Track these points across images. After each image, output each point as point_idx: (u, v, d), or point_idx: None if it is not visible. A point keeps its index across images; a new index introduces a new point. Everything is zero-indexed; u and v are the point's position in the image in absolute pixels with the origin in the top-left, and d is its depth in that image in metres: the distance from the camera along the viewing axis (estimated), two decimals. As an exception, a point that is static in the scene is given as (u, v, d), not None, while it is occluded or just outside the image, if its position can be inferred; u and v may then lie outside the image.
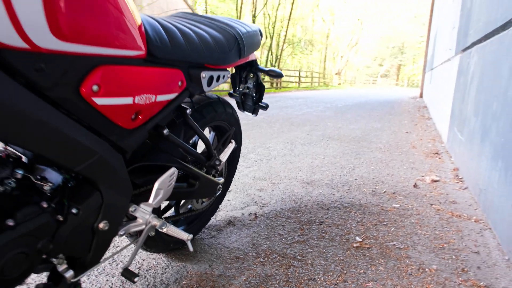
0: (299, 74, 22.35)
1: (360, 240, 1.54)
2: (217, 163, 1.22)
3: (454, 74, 4.08)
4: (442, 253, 1.44)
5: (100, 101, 0.68)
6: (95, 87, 0.66)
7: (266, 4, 19.91)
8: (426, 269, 1.31)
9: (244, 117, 5.83)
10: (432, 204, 2.00)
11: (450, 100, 4.04)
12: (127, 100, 0.74)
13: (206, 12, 18.95)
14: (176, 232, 0.99)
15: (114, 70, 0.69)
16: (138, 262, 1.32)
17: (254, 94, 1.51)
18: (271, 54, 20.96)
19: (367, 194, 2.17)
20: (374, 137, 4.42)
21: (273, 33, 21.06)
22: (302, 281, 1.22)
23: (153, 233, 0.99)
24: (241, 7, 17.84)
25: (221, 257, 1.35)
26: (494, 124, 1.87)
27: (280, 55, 21.28)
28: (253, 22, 19.77)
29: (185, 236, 0.99)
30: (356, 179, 2.50)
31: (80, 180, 0.75)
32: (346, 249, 1.45)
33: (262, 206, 1.91)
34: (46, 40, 0.54)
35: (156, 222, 0.95)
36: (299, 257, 1.37)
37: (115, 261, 1.32)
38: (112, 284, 1.17)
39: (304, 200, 2.02)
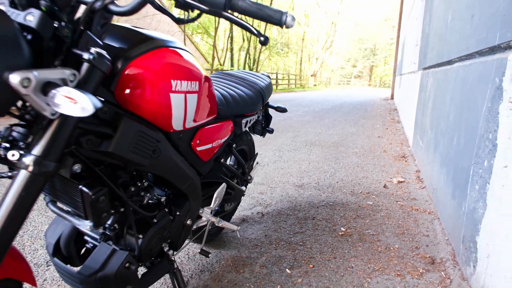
0: (277, 77, 22.97)
1: (344, 229, 2.06)
2: (249, 178, 1.71)
3: (417, 87, 4.72)
4: (403, 236, 1.98)
5: (199, 148, 1.15)
6: (198, 141, 1.13)
7: (243, 8, 20.37)
8: (391, 248, 1.85)
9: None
10: (397, 201, 2.56)
11: (414, 110, 4.67)
12: (210, 145, 1.22)
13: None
14: (227, 225, 1.47)
15: (206, 130, 1.17)
16: (191, 251, 1.77)
17: (263, 122, 2.00)
18: (249, 58, 21.49)
19: (347, 194, 2.71)
20: (350, 142, 5.00)
21: (250, 37, 21.57)
22: (305, 259, 1.72)
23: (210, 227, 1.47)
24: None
25: (244, 245, 1.83)
26: (442, 139, 2.44)
27: (258, 58, 21.83)
28: (231, 27, 20.16)
29: (235, 227, 1.47)
30: (337, 181, 3.03)
31: (177, 194, 1.21)
32: (334, 236, 1.97)
33: (266, 207, 2.40)
34: (189, 124, 1.02)
35: (214, 219, 1.43)
36: (300, 243, 1.88)
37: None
38: (188, 257, 1.63)
39: (298, 201, 2.53)
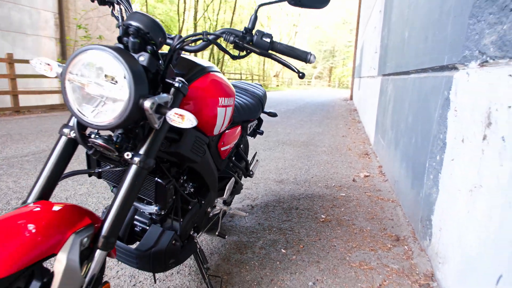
0: (240, 77, 23.28)
1: (324, 217, 2.40)
2: (251, 173, 1.99)
3: (377, 91, 5.22)
4: (372, 221, 2.36)
5: (222, 149, 1.42)
6: (222, 143, 1.40)
7: (207, 9, 20.45)
8: (364, 230, 2.21)
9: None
10: (365, 192, 2.96)
11: (375, 112, 5.17)
12: (228, 146, 1.49)
13: (147, 10, 18.74)
14: (237, 212, 1.75)
15: (227, 134, 1.45)
16: (199, 238, 2.02)
17: (255, 125, 2.29)
18: (213, 58, 21.61)
19: (322, 187, 3.07)
20: (318, 141, 5.42)
21: (214, 37, 21.70)
22: (295, 241, 2.03)
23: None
24: (183, 13, 18.18)
25: (242, 232, 2.11)
26: (402, 138, 2.87)
27: (222, 58, 21.99)
28: (195, 26, 20.18)
29: (243, 213, 1.75)
30: (312, 177, 3.39)
31: (201, 186, 1.47)
32: (316, 223, 2.31)
33: (254, 200, 2.69)
34: (222, 130, 1.29)
35: (225, 208, 1.70)
36: (289, 229, 2.19)
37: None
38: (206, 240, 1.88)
39: (280, 194, 2.85)
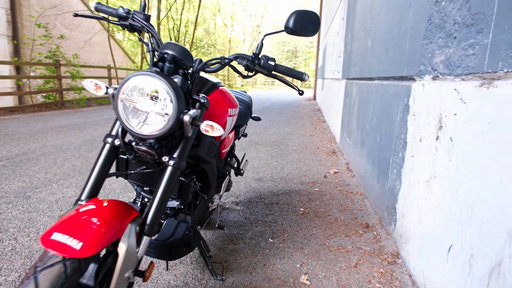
0: (206, 77, 23.26)
1: (302, 210, 2.68)
2: (242, 172, 2.21)
3: (342, 93, 5.61)
4: (345, 211, 2.67)
5: (223, 151, 1.63)
6: (224, 146, 1.62)
7: (170, 9, 20.25)
8: (338, 219, 2.51)
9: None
10: (336, 187, 3.27)
11: (340, 112, 5.55)
12: (226, 149, 1.71)
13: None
14: (233, 206, 1.96)
15: (226, 138, 1.66)
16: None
17: (239, 128, 2.51)
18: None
19: (298, 184, 3.35)
20: (288, 140, 5.72)
21: (178, 37, 21.55)
22: (280, 231, 2.28)
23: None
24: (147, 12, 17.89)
25: (231, 225, 2.33)
26: (367, 137, 3.21)
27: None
28: (158, 26, 19.90)
29: (238, 207, 1.96)
30: (287, 174, 3.66)
31: (204, 184, 1.68)
32: (296, 215, 2.57)
33: (237, 197, 2.91)
34: (226, 135, 1.50)
35: (221, 203, 1.91)
36: (273, 221, 2.44)
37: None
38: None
39: (260, 191, 3.09)
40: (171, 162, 1.07)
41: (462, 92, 1.39)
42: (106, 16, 1.25)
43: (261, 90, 31.81)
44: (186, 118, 1.00)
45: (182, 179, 1.27)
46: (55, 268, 0.79)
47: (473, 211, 1.22)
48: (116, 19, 1.24)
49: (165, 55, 1.07)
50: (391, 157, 2.34)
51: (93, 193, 1.07)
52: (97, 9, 1.27)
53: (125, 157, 1.22)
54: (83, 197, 1.06)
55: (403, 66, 2.20)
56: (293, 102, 15.83)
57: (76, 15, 1.26)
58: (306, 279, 1.74)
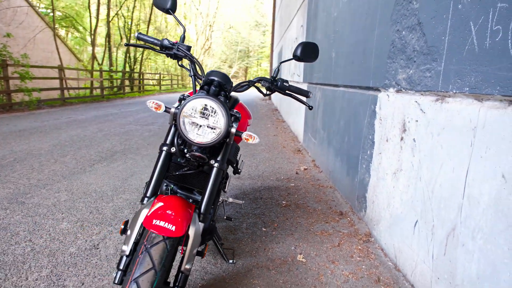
0: (160, 77, 22.92)
1: (284, 202, 3.04)
2: (239, 171, 2.50)
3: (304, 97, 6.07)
4: (320, 202, 3.07)
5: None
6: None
7: (121, 7, 19.66)
8: (316, 209, 2.90)
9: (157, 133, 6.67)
10: (309, 182, 3.69)
11: (303, 114, 6.01)
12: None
13: (52, 3, 17.21)
14: (236, 200, 2.25)
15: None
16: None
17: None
18: (129, 57, 20.87)
19: (274, 180, 3.71)
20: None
21: (130, 35, 20.97)
22: (270, 222, 2.62)
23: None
24: (97, 11, 17.25)
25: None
26: (334, 137, 3.65)
27: (142, 58, 21.39)
28: (108, 23, 19.25)
29: (240, 201, 2.26)
30: (263, 172, 4.01)
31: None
32: (280, 207, 2.93)
33: (223, 194, 3.19)
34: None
35: (226, 198, 2.20)
36: (262, 214, 2.77)
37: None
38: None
39: (243, 188, 3.40)
40: (216, 164, 1.36)
41: (422, 104, 1.82)
42: (151, 45, 1.50)
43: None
44: (233, 130, 1.30)
45: None
46: (160, 245, 1.06)
47: (433, 193, 1.65)
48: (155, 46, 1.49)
49: (212, 81, 1.36)
50: (360, 155, 2.77)
51: (155, 192, 1.33)
52: (138, 38, 1.51)
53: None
54: (148, 195, 1.31)
55: (369, 78, 2.64)
56: (249, 101, 16.22)
57: (127, 45, 1.49)
58: (302, 258, 2.09)
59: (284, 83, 1.57)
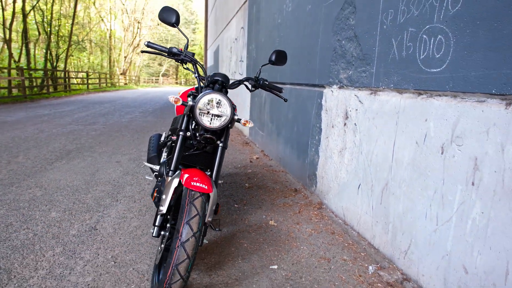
0: (87, 75, 21.69)
1: (247, 185, 3.51)
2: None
3: (248, 93, 6.59)
4: (277, 183, 3.61)
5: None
6: None
7: (38, 1, 18.21)
8: (275, 188, 3.43)
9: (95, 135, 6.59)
10: (263, 168, 4.21)
11: (248, 109, 6.53)
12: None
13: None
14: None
15: None
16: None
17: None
18: (50, 54, 19.41)
19: (233, 168, 4.16)
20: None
21: (50, 31, 19.49)
22: (239, 200, 3.07)
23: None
24: (14, 2, 15.81)
25: (202, 200, 3.01)
26: (283, 128, 4.22)
27: (67, 54, 20.01)
28: (24, 16, 17.72)
29: (221, 181, 2.66)
30: (221, 162, 4.43)
31: None
32: (244, 189, 3.39)
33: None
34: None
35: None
36: (231, 194, 3.21)
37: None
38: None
39: (207, 176, 3.79)
40: (221, 144, 1.78)
41: (360, 97, 2.43)
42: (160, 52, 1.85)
43: (149, 88, 31.05)
44: (236, 117, 1.73)
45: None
46: (199, 199, 1.47)
47: (371, 161, 2.26)
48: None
49: (217, 80, 1.77)
50: (309, 140, 3.36)
51: (176, 167, 1.71)
52: (148, 46, 1.86)
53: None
54: (172, 169, 1.69)
55: (315, 77, 3.22)
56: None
57: (143, 52, 1.82)
58: (273, 223, 2.59)
59: (265, 82, 2.04)
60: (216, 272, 1.89)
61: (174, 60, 1.91)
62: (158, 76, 44.40)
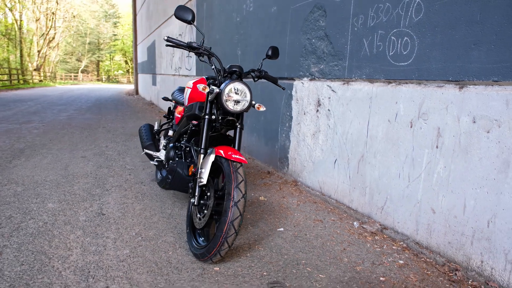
0: (-4, 71, 19.32)
1: (224, 171, 3.80)
2: None
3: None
4: (251, 168, 3.96)
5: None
6: None
7: None
8: (250, 172, 3.78)
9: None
10: (231, 156, 4.52)
11: (200, 104, 6.71)
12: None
13: None
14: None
15: None
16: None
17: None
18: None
19: (203, 158, 4.39)
20: (158, 131, 6.47)
21: None
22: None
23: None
24: None
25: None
26: (248, 119, 4.56)
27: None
28: None
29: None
30: (188, 153, 4.62)
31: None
32: (223, 174, 3.68)
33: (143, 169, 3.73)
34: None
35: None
36: (213, 179, 3.47)
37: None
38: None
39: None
40: (239, 126, 2.09)
41: (333, 87, 2.90)
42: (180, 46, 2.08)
43: (68, 86, 28.65)
44: (253, 102, 2.05)
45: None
46: (241, 168, 1.77)
47: (347, 139, 2.75)
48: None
49: (234, 71, 2.06)
50: (279, 128, 3.77)
51: (206, 146, 1.97)
52: (168, 41, 2.07)
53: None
54: (203, 147, 1.95)
55: (284, 71, 3.64)
56: (116, 97, 15.69)
57: (168, 45, 2.02)
58: (263, 198, 2.95)
59: (266, 73, 2.38)
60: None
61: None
62: (77, 72, 41.09)
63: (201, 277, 1.73)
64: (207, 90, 1.96)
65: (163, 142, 3.04)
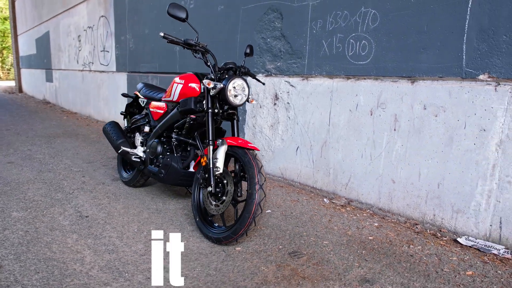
0: None
1: (180, 166, 3.83)
2: None
3: (121, 84, 6.42)
4: (203, 162, 4.06)
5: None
6: None
7: None
8: (207, 166, 3.89)
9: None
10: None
11: (118, 102, 6.38)
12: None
13: None
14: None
15: None
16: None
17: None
18: None
19: (149, 156, 4.30)
20: (72, 130, 5.97)
21: None
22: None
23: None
24: None
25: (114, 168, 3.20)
26: (192, 114, 4.61)
27: None
28: None
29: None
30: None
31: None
32: (181, 169, 3.72)
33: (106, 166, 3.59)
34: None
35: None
36: (175, 175, 3.49)
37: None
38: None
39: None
40: (235, 118, 2.25)
41: (291, 82, 3.24)
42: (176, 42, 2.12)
43: None
44: (250, 97, 2.23)
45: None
46: (257, 155, 1.95)
47: (308, 128, 3.12)
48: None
49: (231, 67, 2.21)
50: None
51: (213, 137, 2.09)
52: (164, 37, 2.11)
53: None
54: (211, 139, 2.06)
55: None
56: None
57: (164, 37, 2.04)
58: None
59: (248, 69, 2.57)
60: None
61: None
62: None
63: (230, 257, 1.87)
64: (211, 85, 2.08)
65: (139, 138, 2.96)
